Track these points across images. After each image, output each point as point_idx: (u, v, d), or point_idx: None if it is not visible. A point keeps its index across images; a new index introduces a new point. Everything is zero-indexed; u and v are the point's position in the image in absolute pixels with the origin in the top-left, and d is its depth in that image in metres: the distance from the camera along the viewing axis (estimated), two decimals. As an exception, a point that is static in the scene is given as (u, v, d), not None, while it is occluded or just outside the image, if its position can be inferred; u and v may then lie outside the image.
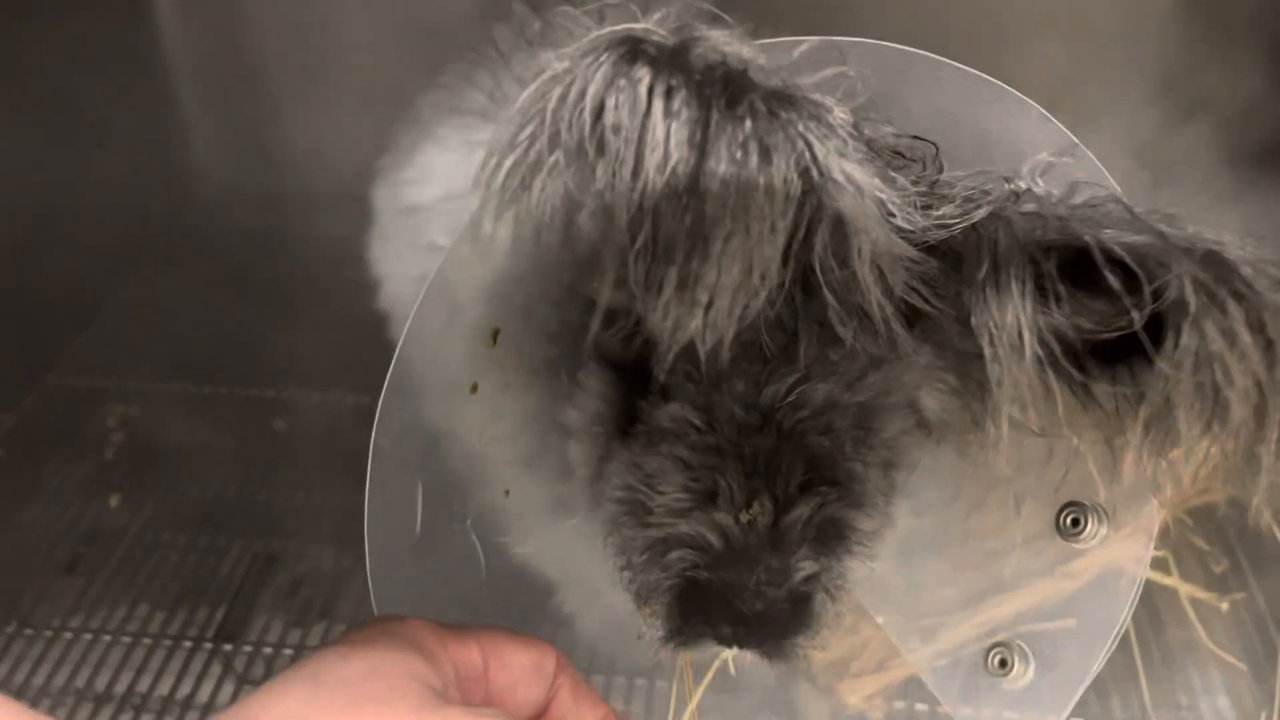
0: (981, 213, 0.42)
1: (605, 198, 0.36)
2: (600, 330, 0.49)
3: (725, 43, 0.38)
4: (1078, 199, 0.43)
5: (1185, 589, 0.77)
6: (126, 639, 0.91)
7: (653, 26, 0.38)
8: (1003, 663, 0.59)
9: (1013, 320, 0.41)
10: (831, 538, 0.48)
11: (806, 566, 0.47)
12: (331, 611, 0.94)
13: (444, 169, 0.79)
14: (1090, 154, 0.48)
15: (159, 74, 1.30)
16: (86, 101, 1.15)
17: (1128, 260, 0.40)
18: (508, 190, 0.38)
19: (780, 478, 0.47)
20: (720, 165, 0.35)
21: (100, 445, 1.10)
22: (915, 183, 0.42)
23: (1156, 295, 0.40)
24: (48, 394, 1.17)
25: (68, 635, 0.92)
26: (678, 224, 0.36)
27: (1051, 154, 0.46)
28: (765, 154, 0.36)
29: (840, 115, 0.38)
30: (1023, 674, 0.58)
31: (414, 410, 0.54)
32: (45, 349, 1.20)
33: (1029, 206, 0.43)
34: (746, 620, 0.47)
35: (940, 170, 0.45)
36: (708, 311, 0.37)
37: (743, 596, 0.47)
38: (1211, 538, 0.56)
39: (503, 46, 0.81)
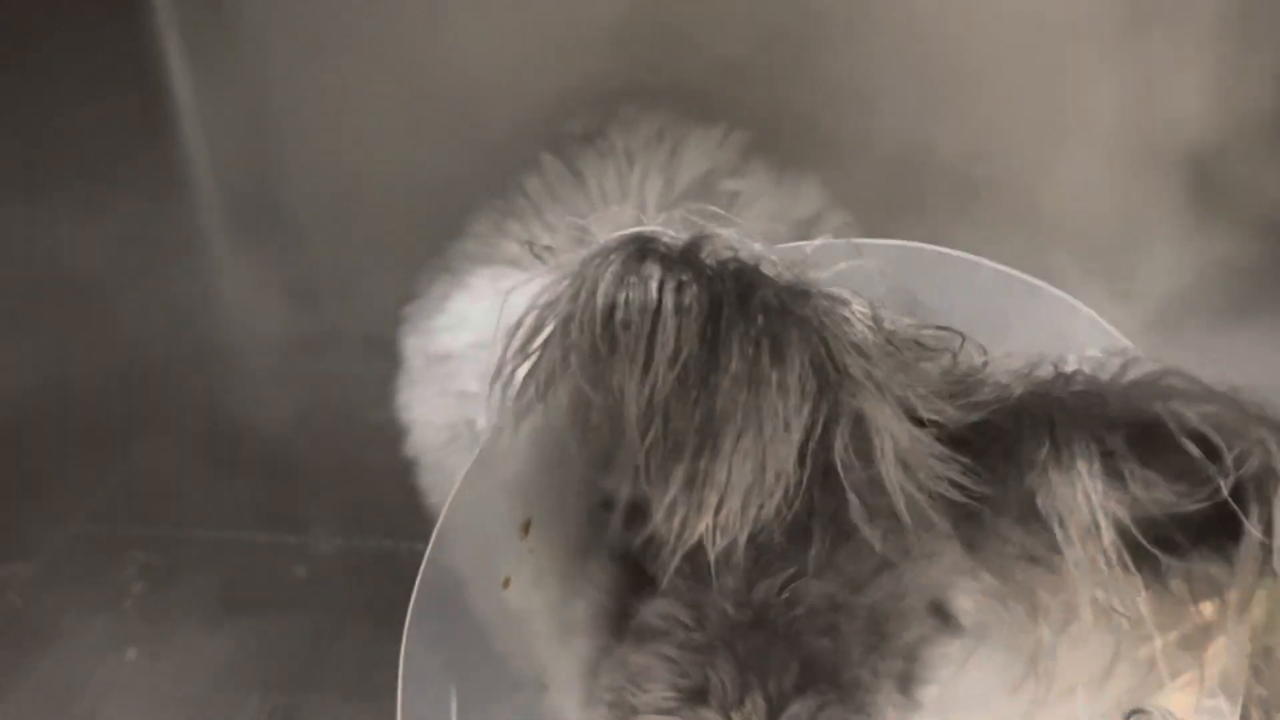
0: (1020, 391, 0.41)
1: (616, 395, 0.36)
2: (615, 522, 0.48)
3: (736, 241, 0.38)
4: (1133, 374, 0.42)
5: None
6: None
7: (661, 227, 0.39)
8: None
9: (1084, 500, 0.39)
10: None
11: None
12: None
13: (475, 317, 0.79)
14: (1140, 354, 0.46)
15: (186, 211, 1.33)
16: (116, 238, 1.18)
17: (1205, 430, 0.39)
18: (524, 398, 0.39)
19: (774, 677, 0.43)
20: (732, 361, 0.35)
21: (120, 595, 1.09)
22: (944, 373, 0.42)
23: (1238, 463, 0.38)
24: (69, 542, 1.16)
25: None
26: (688, 420, 0.36)
27: (1101, 351, 0.45)
28: (778, 350, 0.36)
29: (858, 308, 0.38)
30: None
31: (448, 612, 0.52)
32: (69, 495, 1.20)
33: (1080, 384, 0.42)
34: None
35: (980, 358, 0.44)
36: (718, 512, 0.37)
37: None
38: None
39: (533, 196, 0.83)
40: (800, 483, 0.37)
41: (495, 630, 0.56)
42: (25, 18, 1.08)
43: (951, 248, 0.49)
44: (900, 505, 0.39)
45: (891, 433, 0.37)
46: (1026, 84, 1.04)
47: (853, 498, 0.39)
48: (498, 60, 1.06)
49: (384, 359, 0.95)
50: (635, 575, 0.48)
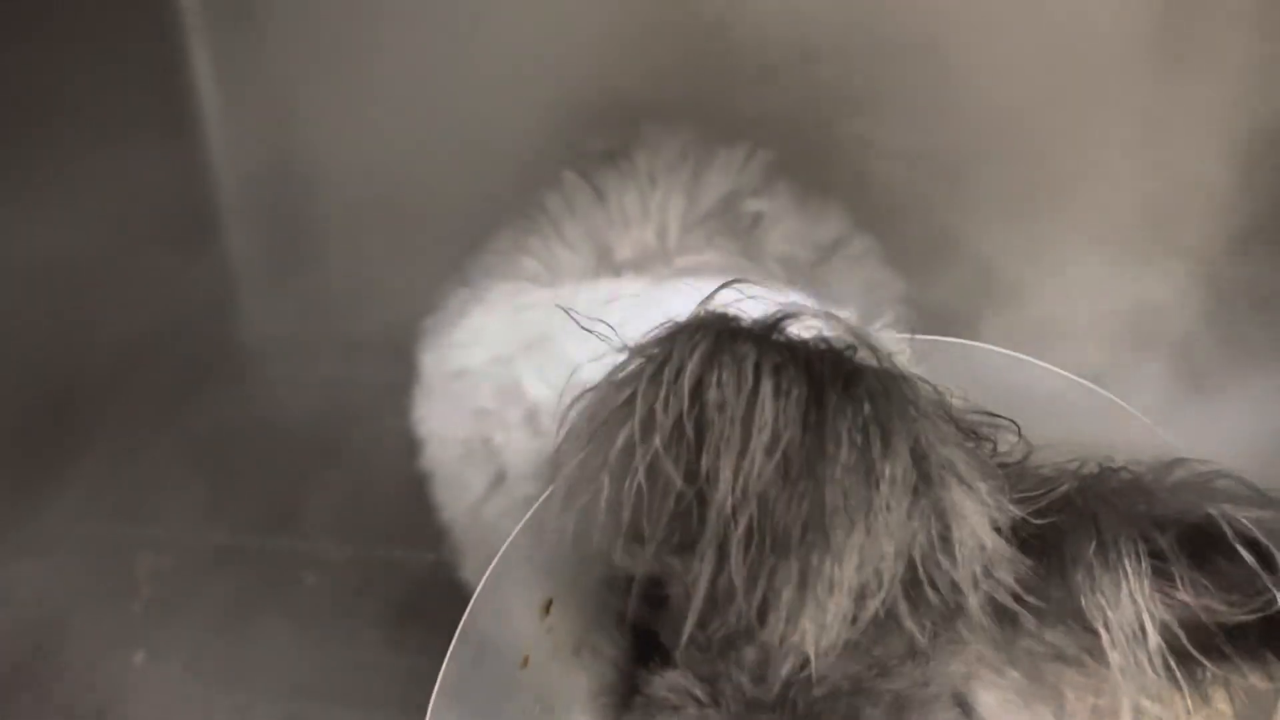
0: (1068, 486, 0.40)
1: (707, 481, 0.34)
2: (626, 595, 0.46)
3: (821, 319, 0.37)
4: (1181, 474, 0.41)
5: None
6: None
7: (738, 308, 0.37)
8: None
9: (1129, 600, 0.38)
10: None
11: None
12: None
13: (492, 333, 0.79)
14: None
15: (207, 212, 1.33)
16: (130, 234, 1.18)
17: (1258, 536, 0.37)
18: (579, 479, 0.37)
19: None
20: (841, 450, 0.33)
21: (129, 596, 1.08)
22: (998, 464, 0.40)
23: None
24: (79, 541, 1.16)
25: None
26: (793, 512, 0.34)
27: (1151, 458, 0.43)
28: (887, 439, 0.34)
29: (930, 395, 0.37)
30: None
31: (468, 694, 0.50)
32: (81, 494, 1.20)
33: (1129, 478, 0.41)
34: None
35: (1026, 451, 0.42)
36: (825, 613, 0.35)
37: None
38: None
39: (553, 213, 0.82)
40: (896, 578, 0.35)
41: (512, 709, 0.54)
42: (50, 16, 1.09)
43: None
44: (973, 603, 0.37)
45: (975, 530, 0.36)
46: (1062, 107, 1.03)
47: (930, 594, 0.37)
48: (521, 74, 1.06)
49: (399, 367, 0.95)
50: (644, 647, 0.46)
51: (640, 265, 0.77)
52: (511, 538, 0.48)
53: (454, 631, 1.04)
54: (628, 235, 0.78)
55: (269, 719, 0.97)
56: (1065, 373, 0.48)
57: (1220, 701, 0.41)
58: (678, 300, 0.71)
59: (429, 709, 0.48)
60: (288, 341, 1.38)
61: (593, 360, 0.41)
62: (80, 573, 1.12)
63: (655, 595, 0.45)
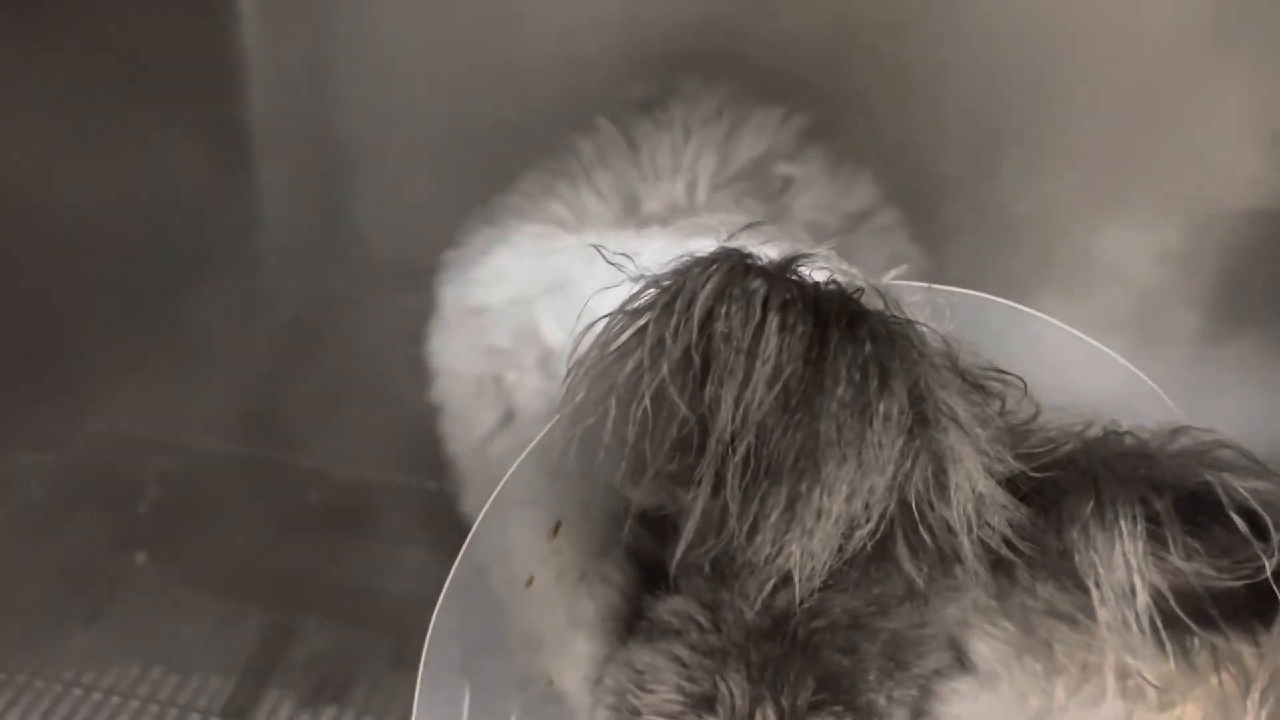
0: (1071, 446, 0.41)
1: (707, 408, 0.35)
2: (633, 525, 0.47)
3: (834, 261, 0.38)
4: (1184, 442, 0.42)
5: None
6: (135, 702, 0.90)
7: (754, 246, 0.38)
8: None
9: (1120, 560, 0.39)
10: None
11: None
12: (344, 696, 0.93)
13: (515, 274, 0.79)
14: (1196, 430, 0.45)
15: (240, 130, 1.33)
16: (159, 144, 1.18)
17: (1254, 506, 0.38)
18: (589, 400, 0.38)
19: (788, 689, 0.42)
20: (839, 386, 0.34)
21: (135, 498, 1.10)
22: (1003, 416, 0.41)
23: None
24: (91, 439, 1.18)
25: (77, 692, 0.91)
26: (788, 442, 0.35)
27: (1155, 423, 0.43)
28: (884, 379, 0.35)
29: (935, 345, 0.37)
30: None
31: (470, 609, 0.51)
32: (87, 393, 1.21)
33: (1132, 443, 0.41)
34: None
35: (1034, 409, 0.43)
36: (810, 538, 0.36)
37: None
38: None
39: (584, 160, 0.82)
40: (884, 514, 0.36)
41: (511, 627, 0.56)
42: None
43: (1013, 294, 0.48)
44: (965, 546, 0.38)
45: (970, 475, 0.37)
46: (1105, 80, 1.02)
47: (905, 531, 0.38)
48: (562, 17, 1.05)
49: (415, 294, 0.96)
50: (650, 575, 0.47)
51: (666, 219, 0.77)
52: (520, 459, 0.49)
53: (453, 559, 1.06)
54: (657, 188, 0.77)
55: (264, 630, 0.99)
56: (1080, 334, 0.48)
57: (1210, 676, 0.42)
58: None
59: (431, 620, 0.50)
60: (307, 256, 1.38)
61: (606, 290, 0.42)
62: (86, 470, 1.14)
63: (660, 526, 0.46)
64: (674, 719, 0.43)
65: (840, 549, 0.37)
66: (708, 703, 0.43)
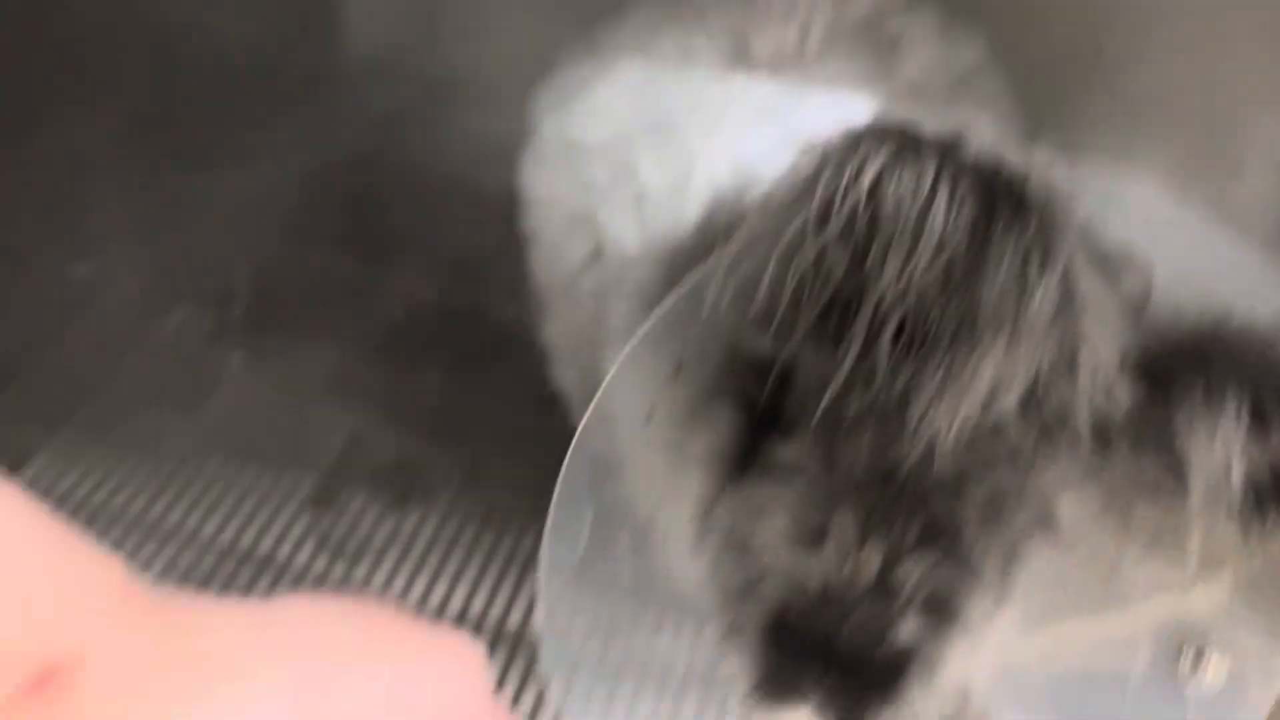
0: (1185, 329, 0.42)
1: (872, 274, 0.37)
2: (745, 373, 0.50)
3: (1000, 143, 0.38)
4: None
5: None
6: (237, 490, 0.97)
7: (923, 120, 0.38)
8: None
9: (1222, 445, 0.40)
10: (940, 605, 0.45)
11: (910, 625, 0.45)
12: (427, 502, 0.99)
13: (616, 110, 0.80)
14: None
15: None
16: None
17: None
18: (745, 252, 0.39)
19: (895, 530, 0.45)
20: (1003, 265, 0.36)
21: (229, 301, 1.15)
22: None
23: None
24: (183, 239, 1.21)
25: (182, 478, 0.97)
26: (948, 315, 0.36)
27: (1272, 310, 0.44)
28: (1045, 263, 0.36)
29: (1082, 224, 0.38)
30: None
31: (601, 439, 0.54)
32: (180, 194, 1.24)
33: (1246, 329, 0.42)
34: (838, 668, 0.45)
35: (1149, 291, 0.44)
36: (958, 406, 0.38)
37: (836, 638, 0.44)
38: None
39: (698, 3, 0.81)
40: (1023, 391, 0.38)
41: (626, 461, 0.59)
42: None
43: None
44: (1081, 418, 0.40)
45: (1099, 356, 0.38)
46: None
47: (1051, 406, 0.40)
48: None
49: (503, 117, 0.96)
50: (759, 425, 0.50)
51: (776, 65, 0.76)
52: (668, 303, 0.51)
53: (530, 384, 1.09)
54: (769, 31, 0.77)
55: (345, 436, 1.04)
56: (1205, 220, 0.49)
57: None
58: (807, 115, 0.71)
59: (571, 445, 0.52)
60: (391, 71, 1.37)
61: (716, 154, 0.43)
62: (180, 270, 1.18)
63: (781, 377, 0.48)
64: (784, 549, 0.46)
65: (982, 419, 0.39)
66: (818, 537, 0.45)
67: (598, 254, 0.81)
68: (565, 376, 0.99)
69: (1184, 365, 0.42)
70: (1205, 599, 0.50)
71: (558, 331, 0.92)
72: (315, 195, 1.18)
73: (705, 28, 0.79)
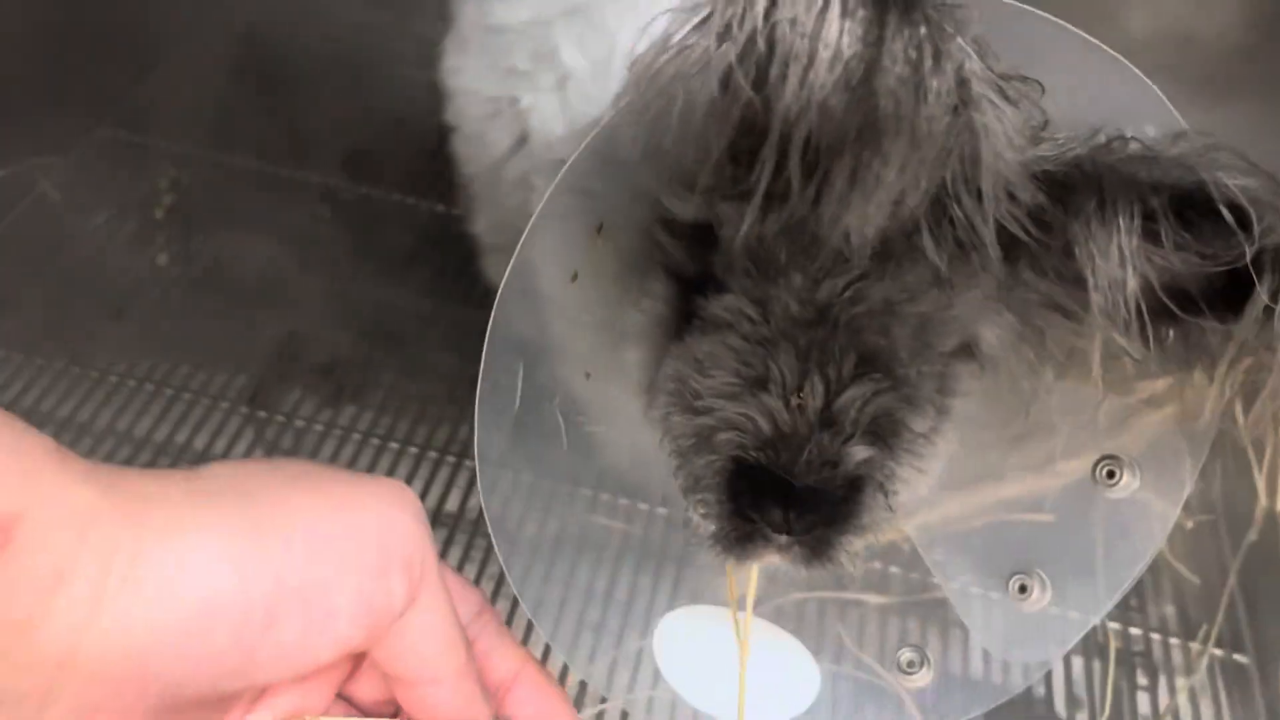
0: (1082, 149, 0.44)
1: (774, 90, 0.38)
2: (671, 242, 0.51)
3: None
4: (1183, 146, 0.45)
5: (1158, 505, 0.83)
6: (169, 390, 0.97)
7: None
8: (1023, 588, 0.63)
9: (1117, 251, 0.43)
10: (885, 430, 0.48)
11: (858, 452, 0.47)
12: (362, 397, 1.00)
13: (536, -6, 0.79)
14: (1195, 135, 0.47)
15: None
16: None
17: (1241, 200, 0.42)
18: (654, 90, 0.40)
19: (833, 364, 0.47)
20: (896, 65, 0.37)
21: (150, 204, 1.13)
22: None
23: (1265, 233, 0.41)
24: (100, 145, 1.19)
25: (113, 379, 0.97)
26: (849, 119, 0.37)
27: (1157, 129, 0.46)
28: (938, 59, 0.37)
29: (977, 33, 0.39)
30: (1040, 599, 0.62)
31: (519, 305, 0.56)
32: (97, 100, 1.21)
33: (1135, 148, 0.44)
34: (798, 501, 0.47)
35: (1044, 117, 0.46)
36: (868, 204, 0.39)
37: (792, 473, 0.46)
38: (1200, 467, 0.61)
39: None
40: (930, 186, 0.40)
41: (555, 317, 0.61)
42: None
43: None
44: (987, 224, 0.42)
45: (1000, 149, 0.40)
46: None
47: (956, 213, 0.42)
48: None
49: (423, 17, 0.95)
50: (691, 287, 0.52)
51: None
52: (570, 162, 0.52)
53: (458, 279, 1.10)
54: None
55: (279, 336, 1.04)
56: (1096, 41, 0.50)
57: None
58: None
59: (493, 311, 0.54)
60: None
61: (636, 32, 0.43)
62: (103, 174, 1.16)
63: (695, 240, 0.50)
64: (732, 398, 0.48)
65: (893, 215, 0.40)
66: (761, 382, 0.48)
67: (522, 141, 0.81)
68: (495, 268, 1.00)
69: (1078, 183, 0.44)
70: (1116, 423, 0.54)
71: (486, 222, 0.93)
72: (232, 98, 1.16)
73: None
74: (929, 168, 0.39)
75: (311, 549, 0.41)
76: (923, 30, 0.37)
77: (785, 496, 0.47)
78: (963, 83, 0.38)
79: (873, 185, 0.39)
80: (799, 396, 0.47)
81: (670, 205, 0.50)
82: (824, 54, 0.37)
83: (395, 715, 0.49)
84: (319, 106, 1.16)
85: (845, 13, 0.37)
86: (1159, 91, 0.50)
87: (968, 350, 0.52)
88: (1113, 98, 0.49)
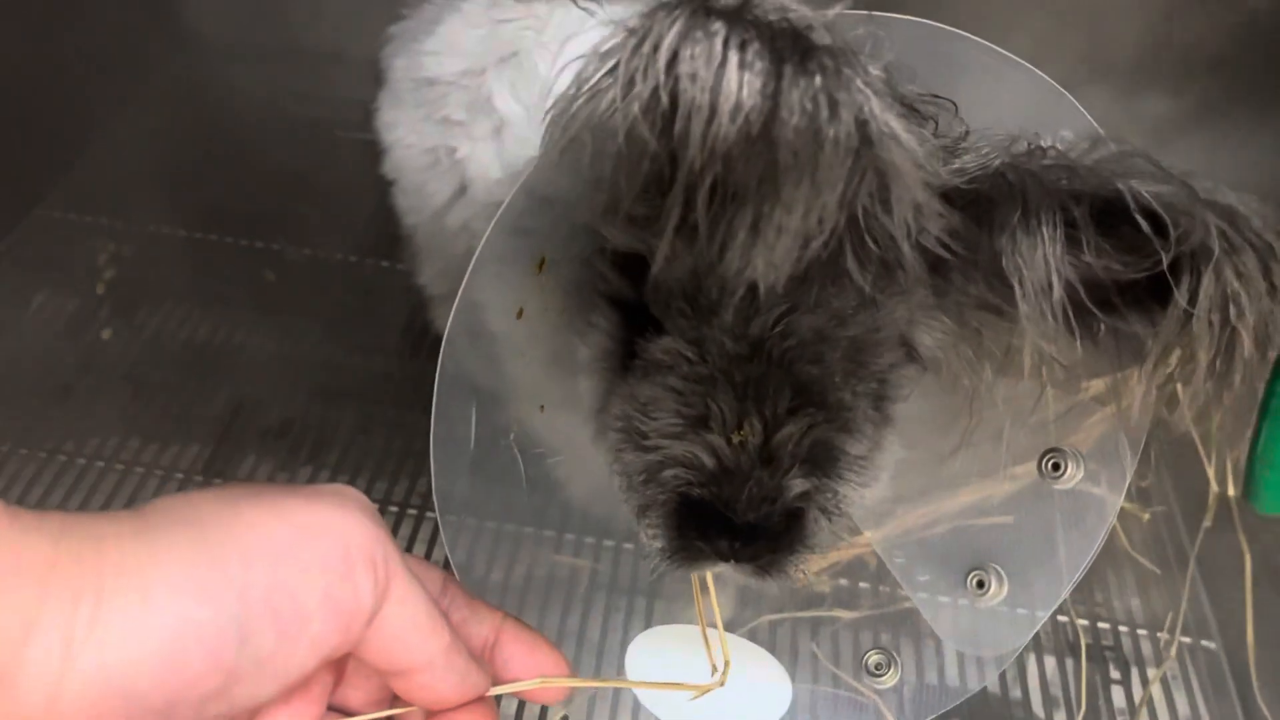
0: (1000, 161, 0.45)
1: (678, 143, 0.38)
2: (611, 272, 0.52)
3: (786, 1, 0.40)
4: (1100, 153, 0.46)
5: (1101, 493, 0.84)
6: (119, 467, 0.95)
7: None
8: (980, 584, 0.64)
9: (1042, 260, 0.44)
10: (822, 459, 0.50)
11: (798, 484, 0.49)
12: (319, 457, 0.99)
13: (467, 44, 0.80)
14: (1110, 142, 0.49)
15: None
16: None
17: (1157, 208, 0.43)
18: (568, 135, 0.41)
19: (769, 401, 0.49)
20: (793, 116, 0.38)
21: (91, 280, 1.12)
22: (937, 137, 0.45)
23: (1180, 240, 0.43)
24: (38, 225, 1.18)
25: (62, 458, 0.95)
26: (751, 170, 0.38)
27: (1073, 133, 0.48)
28: (833, 107, 0.38)
29: (875, 72, 0.40)
30: (997, 594, 0.63)
31: (467, 347, 0.57)
32: (35, 180, 1.20)
33: (1053, 159, 0.46)
34: (741, 534, 0.49)
35: (964, 129, 0.47)
36: (773, 252, 0.40)
37: (735, 509, 0.48)
38: (1143, 458, 0.63)
39: (533, -72, 0.82)
40: (834, 229, 0.41)
41: (504, 356, 0.61)
42: None
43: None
44: (905, 249, 0.43)
45: (909, 186, 0.41)
46: None
47: (853, 245, 0.43)
48: None
49: (354, 80, 0.96)
50: (635, 320, 0.53)
51: (616, -17, 0.78)
52: (506, 203, 0.53)
53: (404, 330, 1.09)
54: (606, -47, 0.78)
55: (231, 403, 1.03)
56: (1008, 54, 0.52)
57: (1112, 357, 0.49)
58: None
59: (440, 354, 0.54)
60: (236, 46, 1.35)
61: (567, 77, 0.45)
62: (41, 253, 1.15)
63: (635, 271, 0.51)
64: (675, 437, 0.50)
65: (799, 259, 0.41)
66: (703, 421, 0.49)
67: (462, 189, 0.82)
68: (443, 317, 0.99)
69: (1002, 195, 0.45)
70: (1065, 422, 0.55)
71: (431, 272, 0.93)
72: (167, 168, 1.16)
73: (542, -44, 0.80)
74: (833, 211, 0.40)
75: (271, 559, 0.41)
76: (818, 80, 0.38)
77: (730, 527, 0.49)
78: (862, 125, 0.39)
79: (774, 236, 0.40)
80: (740, 433, 0.49)
81: (607, 233, 0.51)
82: (725, 106, 0.37)
83: (393, 707, 0.50)
84: (256, 172, 1.16)
85: (743, 65, 0.38)
86: (1073, 99, 0.52)
87: (907, 353, 0.53)
88: (1030, 105, 0.51)
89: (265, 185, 1.18)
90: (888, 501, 0.68)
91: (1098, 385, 0.53)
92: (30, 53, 1.09)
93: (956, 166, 0.45)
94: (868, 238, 0.42)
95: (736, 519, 0.49)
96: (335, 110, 1.24)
